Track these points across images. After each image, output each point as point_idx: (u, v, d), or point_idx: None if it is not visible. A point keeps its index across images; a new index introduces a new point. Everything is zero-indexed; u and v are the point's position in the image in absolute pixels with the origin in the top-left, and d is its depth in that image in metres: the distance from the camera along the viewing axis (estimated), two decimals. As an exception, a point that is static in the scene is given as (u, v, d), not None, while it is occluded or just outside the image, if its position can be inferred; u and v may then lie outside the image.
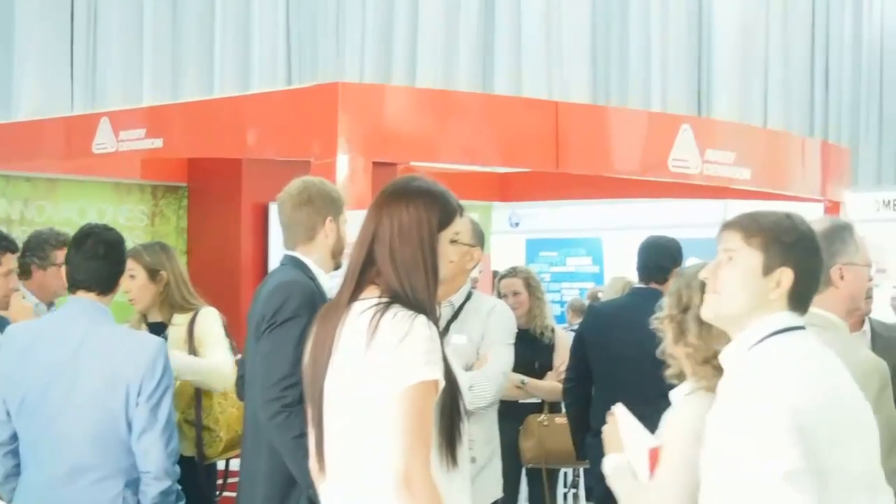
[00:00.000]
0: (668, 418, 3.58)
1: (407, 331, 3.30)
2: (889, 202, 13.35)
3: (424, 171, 8.60)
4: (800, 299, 3.12)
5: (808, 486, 2.83)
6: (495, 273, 7.98)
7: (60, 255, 5.92)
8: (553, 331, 7.70)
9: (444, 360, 3.39)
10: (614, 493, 3.73)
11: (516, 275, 7.66)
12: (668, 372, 3.71)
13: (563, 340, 7.82)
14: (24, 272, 6.09)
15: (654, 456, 3.61)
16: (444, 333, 4.90)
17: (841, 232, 4.18)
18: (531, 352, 7.49)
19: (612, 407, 3.86)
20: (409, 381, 3.28)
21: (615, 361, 6.38)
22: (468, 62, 19.35)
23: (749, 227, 3.16)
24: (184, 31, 14.16)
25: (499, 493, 5.30)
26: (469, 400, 4.90)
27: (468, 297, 5.14)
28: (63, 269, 4.69)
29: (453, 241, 3.55)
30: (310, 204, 4.67)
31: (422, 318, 3.35)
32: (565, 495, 9.37)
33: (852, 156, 23.86)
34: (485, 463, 5.14)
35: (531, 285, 7.60)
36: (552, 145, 7.79)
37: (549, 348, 7.59)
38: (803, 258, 3.12)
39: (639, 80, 21.39)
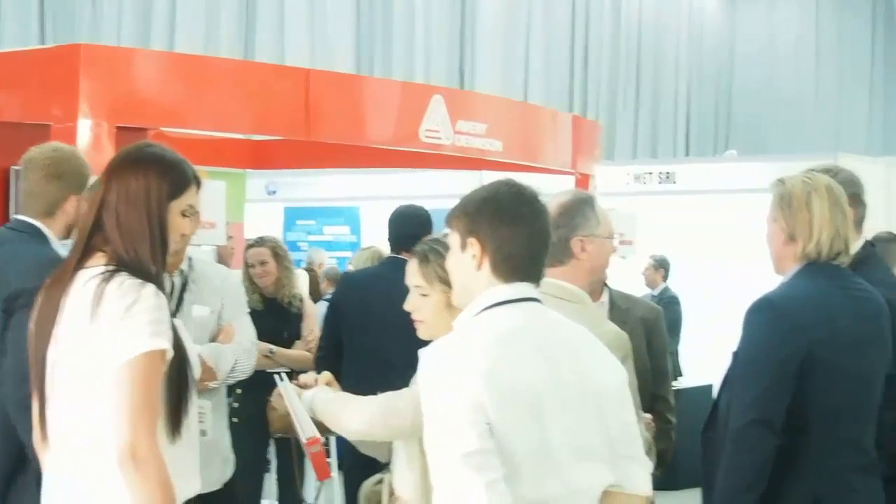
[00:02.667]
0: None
1: (134, 300, 3.22)
2: (639, 175, 13.66)
3: (176, 138, 8.45)
4: (506, 269, 3.08)
5: (488, 465, 2.85)
6: (248, 244, 7.89)
7: None
8: (301, 300, 7.68)
9: (174, 330, 3.32)
10: (326, 413, 3.80)
11: (263, 244, 7.61)
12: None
13: (312, 309, 7.81)
14: None
15: (309, 444, 3.81)
16: (178, 303, 4.89)
17: (582, 205, 4.21)
18: (279, 321, 7.46)
19: (278, 382, 3.89)
20: (136, 351, 3.19)
21: (367, 331, 6.38)
22: (229, 30, 19.15)
23: (452, 210, 3.18)
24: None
25: (234, 461, 5.23)
26: (226, 373, 4.90)
27: (190, 264, 5.04)
28: None
29: (186, 215, 3.48)
30: (59, 179, 4.55)
31: (150, 287, 3.27)
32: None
33: (610, 131, 24.55)
34: (218, 436, 5.07)
35: (279, 255, 7.56)
36: (303, 113, 7.74)
37: (298, 317, 7.58)
38: (486, 225, 3.08)
39: (402, 52, 21.48)
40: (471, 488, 2.82)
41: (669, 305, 12.93)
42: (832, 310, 3.98)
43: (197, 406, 3.55)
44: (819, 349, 3.91)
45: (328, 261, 13.22)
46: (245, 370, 5.04)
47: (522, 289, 3.10)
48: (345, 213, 15.13)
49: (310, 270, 12.19)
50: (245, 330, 5.14)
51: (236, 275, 5.51)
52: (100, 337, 3.24)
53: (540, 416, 2.95)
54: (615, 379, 3.16)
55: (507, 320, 3.03)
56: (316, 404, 3.86)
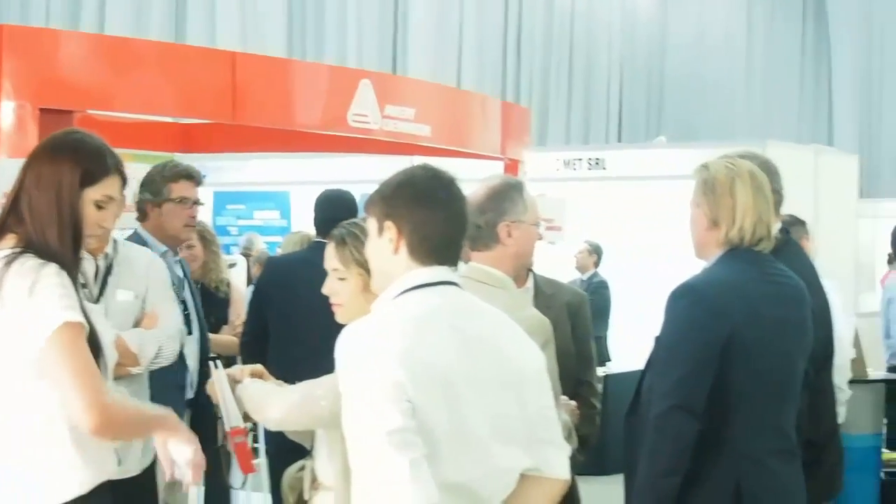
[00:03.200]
0: None
1: (34, 280, 3.25)
2: (569, 161, 13.68)
3: (102, 121, 8.37)
4: (423, 252, 3.08)
5: (410, 443, 2.84)
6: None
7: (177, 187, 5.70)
8: (229, 285, 7.63)
9: (84, 313, 3.31)
10: (248, 403, 3.80)
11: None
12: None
13: (239, 294, 7.76)
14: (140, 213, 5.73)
15: (233, 434, 3.81)
16: (102, 287, 4.83)
17: (510, 190, 4.23)
18: (206, 306, 7.38)
19: (212, 369, 3.89)
20: (52, 325, 3.22)
21: (291, 315, 6.34)
22: (160, 13, 19.01)
23: (369, 196, 3.18)
24: None
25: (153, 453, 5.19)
26: (150, 359, 4.84)
27: (115, 248, 4.98)
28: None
29: (101, 206, 3.47)
30: None
31: (51, 266, 3.29)
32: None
33: (543, 117, 24.63)
34: None
35: (206, 239, 7.51)
36: (229, 97, 7.69)
37: (225, 302, 7.52)
38: (403, 209, 3.08)
39: (334, 37, 21.41)
40: (394, 467, 2.82)
41: (598, 291, 12.99)
42: (753, 295, 4.01)
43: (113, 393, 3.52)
44: (740, 334, 3.93)
45: (262, 247, 13.16)
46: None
47: (440, 272, 3.09)
48: (275, 198, 15.06)
49: (247, 255, 12.12)
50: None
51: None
52: (8, 320, 3.26)
53: (457, 398, 2.95)
54: (533, 364, 3.16)
55: (424, 303, 3.03)
56: (239, 394, 3.85)
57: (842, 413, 6.99)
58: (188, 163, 6.24)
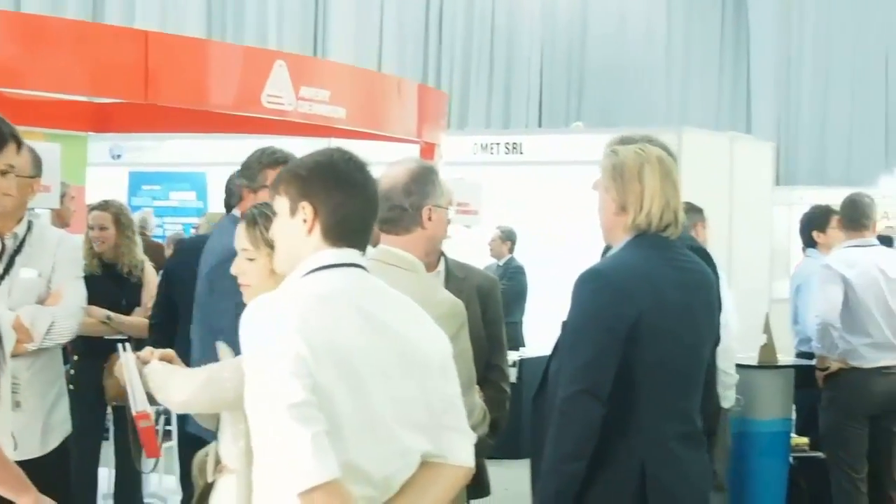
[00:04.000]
0: None
1: None
2: (486, 145, 13.68)
3: (13, 98, 8.27)
4: (337, 234, 3.07)
5: (313, 417, 2.81)
6: (90, 206, 7.74)
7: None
8: (142, 269, 7.55)
9: None
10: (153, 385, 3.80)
11: (107, 209, 7.47)
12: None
13: (152, 277, 7.69)
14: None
15: (139, 418, 3.82)
16: (8, 266, 4.78)
17: (430, 174, 4.26)
18: (118, 289, 7.35)
19: (120, 351, 3.87)
20: None
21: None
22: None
23: (279, 174, 3.16)
24: None
25: (68, 430, 5.14)
26: (41, 335, 4.78)
27: (29, 228, 4.93)
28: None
29: (4, 172, 3.41)
30: None
31: None
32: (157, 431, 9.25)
33: (463, 102, 24.66)
34: (50, 405, 4.96)
35: (121, 222, 7.44)
36: (141, 76, 7.60)
37: (138, 286, 7.46)
38: (320, 189, 3.06)
39: (254, 21, 21.31)
40: (295, 440, 2.79)
41: (515, 276, 13.02)
42: (659, 280, 4.02)
43: (10, 377, 3.47)
44: (646, 318, 3.94)
45: (171, 227, 13.09)
46: (64, 333, 4.91)
47: (349, 254, 3.08)
48: (191, 179, 14.95)
49: (142, 234, 12.01)
50: (74, 293, 5.03)
51: (75, 239, 5.40)
52: None
53: (359, 378, 2.93)
54: (438, 350, 3.15)
55: (330, 283, 3.02)
56: (146, 376, 3.82)
57: (730, 397, 7.09)
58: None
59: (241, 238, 3.89)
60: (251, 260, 3.86)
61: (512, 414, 5.38)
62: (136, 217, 13.29)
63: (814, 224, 8.93)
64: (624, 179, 4.08)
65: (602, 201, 4.17)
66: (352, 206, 3.08)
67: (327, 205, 3.06)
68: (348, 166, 3.10)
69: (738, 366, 7.26)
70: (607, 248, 4.48)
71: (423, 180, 4.18)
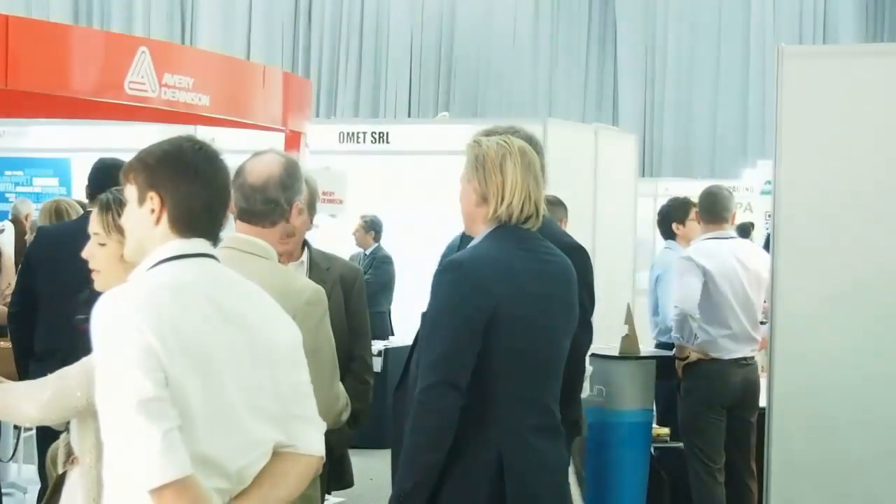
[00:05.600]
0: None
1: None
2: (353, 134, 13.65)
3: None
4: (185, 225, 3.03)
5: (163, 413, 2.78)
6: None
7: None
8: (0, 254, 7.44)
9: None
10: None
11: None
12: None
13: (10, 262, 7.57)
14: None
15: None
16: None
17: (298, 168, 4.23)
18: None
19: None
20: None
21: (58, 287, 6.20)
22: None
23: (128, 163, 3.12)
24: None
25: None
26: None
27: None
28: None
29: None
30: None
31: None
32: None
33: (331, 91, 24.60)
34: None
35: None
36: (1, 61, 7.44)
37: (-8, 273, 7.35)
38: (168, 180, 3.03)
39: (121, 8, 21.04)
40: (146, 437, 2.75)
41: (382, 265, 13.01)
42: (518, 272, 4.05)
43: None
44: (503, 309, 3.96)
45: (34, 213, 12.83)
46: None
47: (198, 244, 3.06)
48: (54, 165, 14.71)
49: (16, 222, 11.81)
50: None
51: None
52: None
53: (210, 369, 2.91)
54: (287, 338, 3.14)
55: (180, 273, 2.99)
56: None
57: (584, 388, 7.17)
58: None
59: (94, 223, 3.85)
60: (102, 245, 3.82)
61: (376, 404, 5.38)
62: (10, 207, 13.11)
63: (673, 216, 9.07)
64: (486, 170, 4.11)
65: (464, 191, 4.19)
66: (199, 196, 3.04)
67: (174, 195, 3.02)
68: (197, 156, 3.06)
69: (601, 356, 7.33)
70: (465, 237, 4.51)
71: (296, 175, 4.17)
